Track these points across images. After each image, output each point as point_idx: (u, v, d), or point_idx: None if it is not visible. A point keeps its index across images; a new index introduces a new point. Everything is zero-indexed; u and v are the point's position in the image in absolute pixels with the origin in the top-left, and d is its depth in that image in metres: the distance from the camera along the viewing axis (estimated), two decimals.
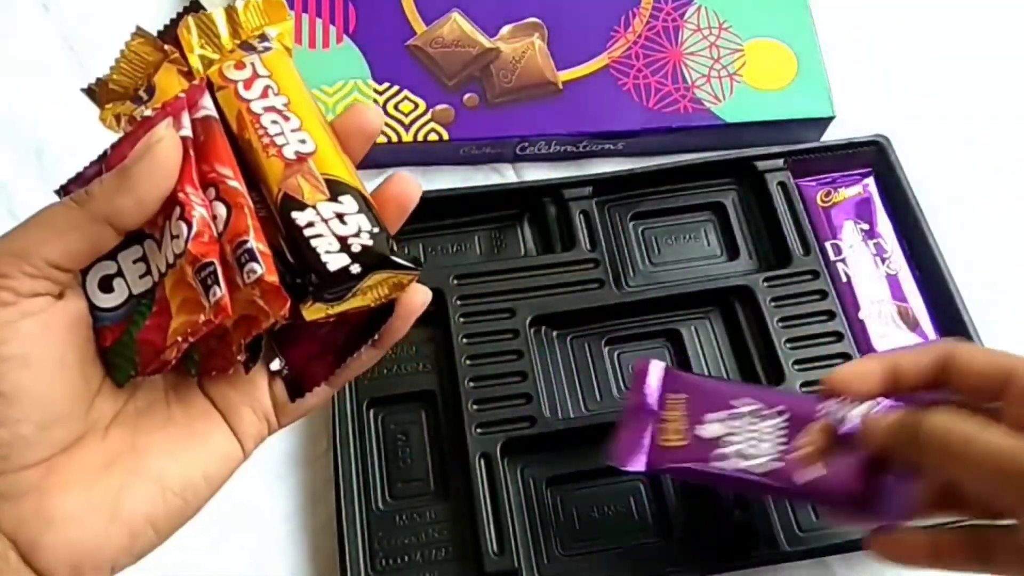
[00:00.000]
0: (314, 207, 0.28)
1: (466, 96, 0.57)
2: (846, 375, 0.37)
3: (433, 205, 0.54)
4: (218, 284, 0.27)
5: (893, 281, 0.54)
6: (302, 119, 0.30)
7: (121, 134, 0.31)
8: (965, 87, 0.63)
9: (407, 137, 0.56)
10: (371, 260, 0.27)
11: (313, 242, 0.27)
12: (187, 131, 0.29)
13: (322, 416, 0.50)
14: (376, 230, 0.28)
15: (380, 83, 0.57)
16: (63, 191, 0.30)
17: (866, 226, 0.55)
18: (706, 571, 0.46)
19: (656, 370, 0.46)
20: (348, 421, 0.48)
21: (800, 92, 0.58)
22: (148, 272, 0.29)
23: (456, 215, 0.55)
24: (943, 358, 0.36)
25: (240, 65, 0.30)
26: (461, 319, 0.51)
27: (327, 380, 0.31)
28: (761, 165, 0.56)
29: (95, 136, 0.58)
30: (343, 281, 0.27)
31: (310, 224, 0.28)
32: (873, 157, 0.57)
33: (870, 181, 0.57)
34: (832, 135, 0.59)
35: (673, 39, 0.59)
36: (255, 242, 0.27)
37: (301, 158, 0.29)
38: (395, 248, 0.28)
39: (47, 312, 0.27)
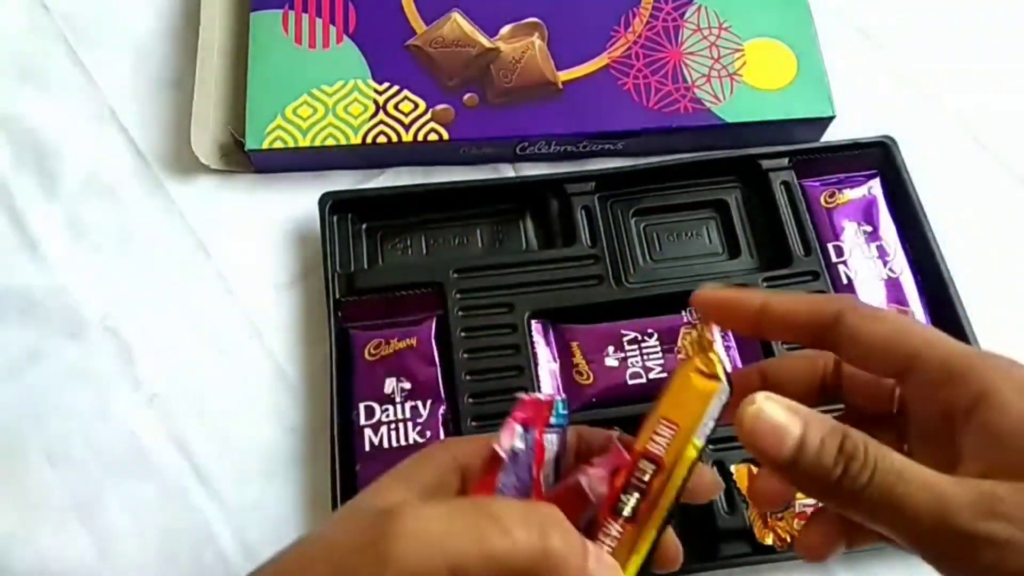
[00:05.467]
0: None
1: (466, 96, 0.57)
2: (710, 296, 0.34)
3: (435, 197, 0.55)
4: None
5: (895, 284, 0.53)
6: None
7: None
8: (967, 87, 0.63)
9: (407, 137, 0.55)
10: None
11: None
12: None
13: (322, 415, 0.49)
14: None
15: (380, 83, 0.57)
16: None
17: (869, 228, 0.55)
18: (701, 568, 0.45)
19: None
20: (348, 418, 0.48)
21: (800, 92, 0.58)
22: None
23: (458, 208, 0.55)
24: (828, 316, 0.31)
25: None
26: (460, 312, 0.50)
27: None
28: (766, 164, 0.56)
29: (95, 136, 0.59)
30: None
31: None
32: (879, 158, 0.57)
33: (875, 183, 0.56)
34: (834, 136, 0.59)
35: (673, 39, 0.59)
36: None
37: None
38: None
39: None
